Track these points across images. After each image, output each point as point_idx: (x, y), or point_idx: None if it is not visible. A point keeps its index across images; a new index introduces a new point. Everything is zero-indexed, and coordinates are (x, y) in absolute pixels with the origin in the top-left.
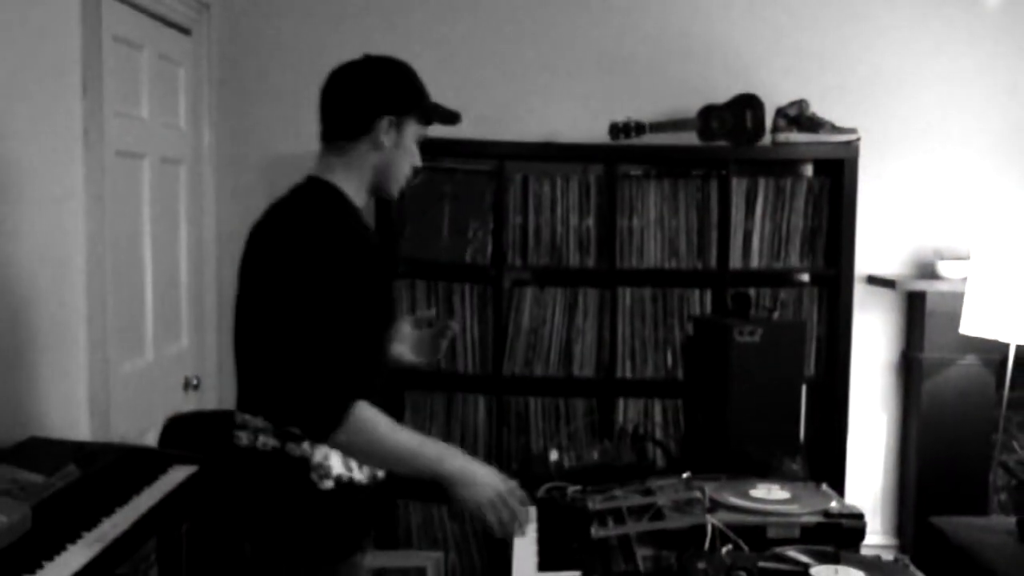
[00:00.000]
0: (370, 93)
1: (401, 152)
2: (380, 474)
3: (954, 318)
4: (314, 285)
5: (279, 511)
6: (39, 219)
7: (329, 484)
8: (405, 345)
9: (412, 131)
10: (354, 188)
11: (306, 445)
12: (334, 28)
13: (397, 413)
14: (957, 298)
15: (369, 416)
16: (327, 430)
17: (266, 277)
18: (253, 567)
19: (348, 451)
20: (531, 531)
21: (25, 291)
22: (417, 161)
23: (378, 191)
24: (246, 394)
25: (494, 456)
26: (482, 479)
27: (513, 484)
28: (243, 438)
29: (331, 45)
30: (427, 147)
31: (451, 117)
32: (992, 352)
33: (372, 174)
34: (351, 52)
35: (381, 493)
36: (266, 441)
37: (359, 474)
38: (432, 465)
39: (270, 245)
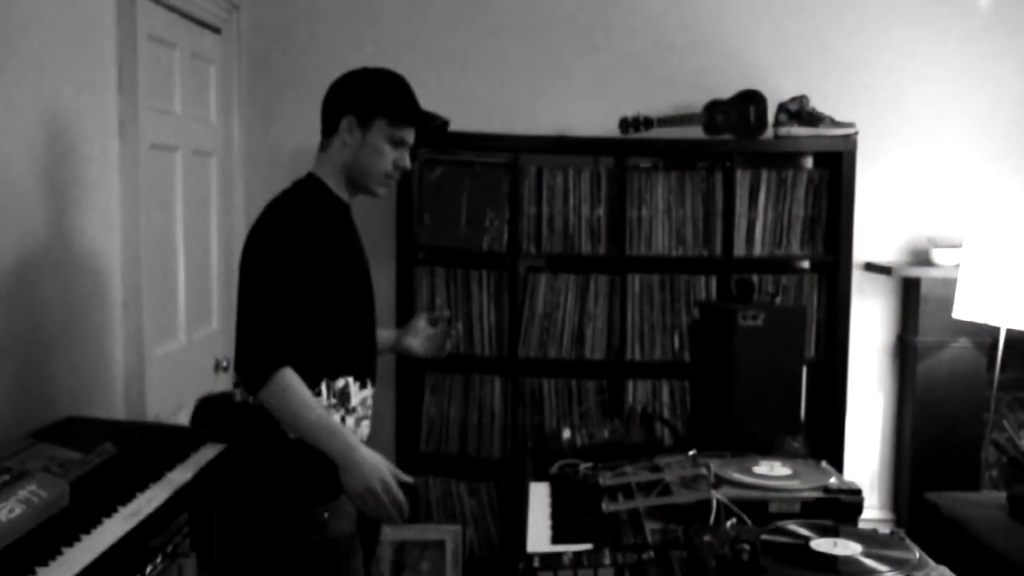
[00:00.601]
0: (339, 96)
1: (368, 150)
2: (362, 432)
3: (947, 303)
4: (266, 265)
5: (256, 459)
6: (77, 209)
7: (294, 435)
8: (418, 339)
9: (379, 131)
10: (334, 182)
11: None
12: (356, 28)
13: (416, 393)
14: (950, 284)
15: (288, 383)
16: (255, 387)
17: (244, 256)
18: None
19: (270, 410)
20: (545, 505)
21: (63, 277)
22: (388, 162)
23: (354, 186)
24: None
25: (510, 434)
26: (366, 466)
27: (396, 472)
28: (236, 394)
29: (353, 43)
30: (446, 141)
31: (426, 120)
32: (983, 335)
33: (343, 169)
34: (372, 50)
35: None
36: (247, 396)
37: None
38: (324, 444)
39: (253, 229)
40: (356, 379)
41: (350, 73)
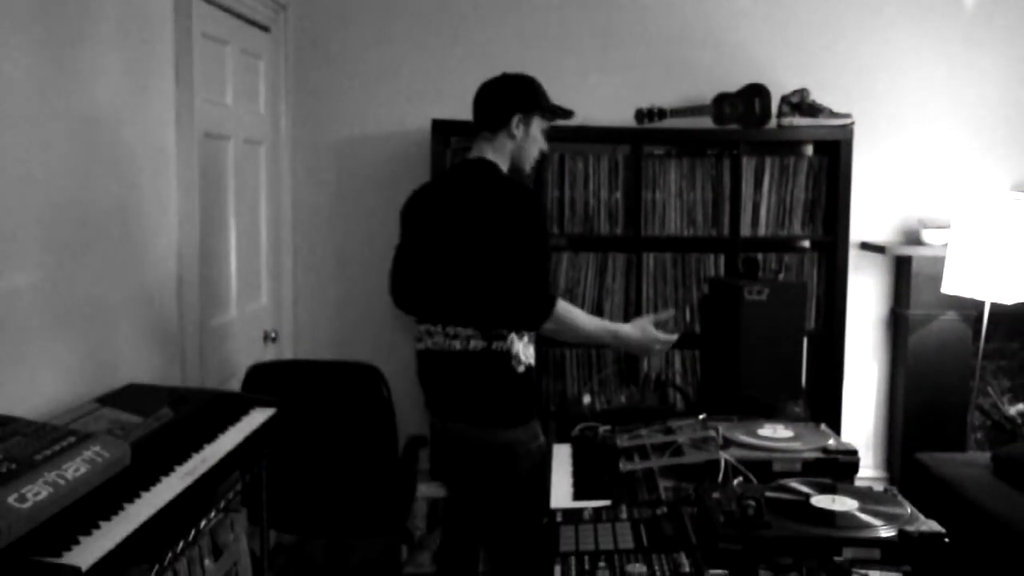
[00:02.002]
0: (505, 97)
1: (530, 141)
2: (533, 361)
3: (936, 279)
4: (536, 232)
5: (491, 391)
6: (137, 192)
7: (521, 368)
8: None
9: (537, 125)
10: (502, 165)
11: (505, 343)
12: (395, 26)
13: None
14: (939, 261)
15: (567, 308)
16: (542, 319)
17: (488, 226)
18: (458, 440)
19: (553, 333)
20: (567, 464)
21: (123, 255)
22: (544, 147)
23: (514, 168)
24: (456, 313)
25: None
26: (635, 342)
27: (649, 326)
28: (456, 344)
29: (392, 41)
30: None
31: (565, 114)
32: (970, 309)
33: (509, 156)
34: (409, 47)
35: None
36: (477, 343)
37: (533, 360)
38: (607, 341)
39: (487, 203)
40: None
41: (507, 77)
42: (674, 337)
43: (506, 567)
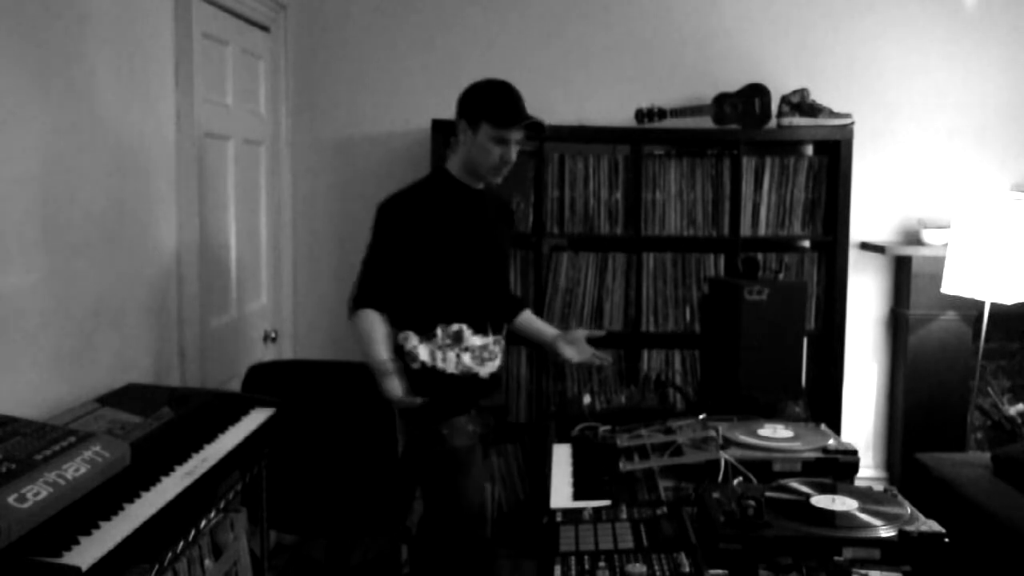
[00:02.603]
0: (459, 105)
1: (477, 148)
2: (482, 371)
3: (936, 279)
4: (374, 232)
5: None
6: (137, 192)
7: (416, 366)
8: (573, 348)
9: (486, 133)
10: (461, 173)
11: (402, 336)
12: (394, 26)
13: None
14: (939, 262)
15: (361, 317)
16: (350, 316)
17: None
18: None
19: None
20: (567, 464)
21: (123, 257)
22: (500, 157)
23: (476, 176)
24: None
25: (535, 399)
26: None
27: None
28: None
29: (392, 41)
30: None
31: (519, 121)
32: (970, 309)
33: (464, 163)
34: (409, 47)
35: (477, 384)
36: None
37: (443, 364)
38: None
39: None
40: (471, 326)
41: (472, 84)
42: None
43: (424, 563)
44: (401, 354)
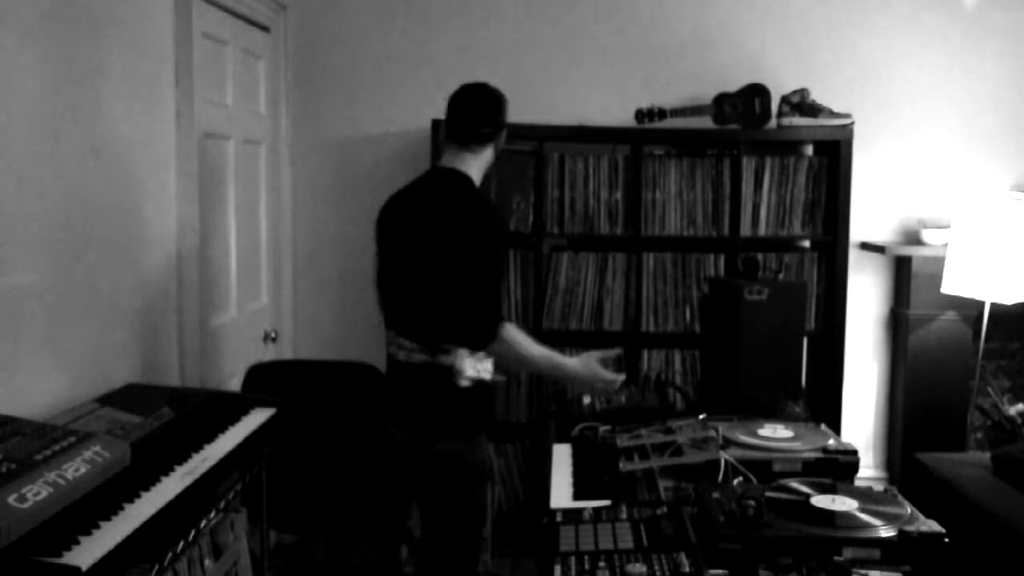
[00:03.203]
0: (495, 113)
1: (493, 156)
2: (488, 376)
3: (936, 279)
4: (485, 245)
5: (431, 403)
6: (138, 192)
7: (465, 383)
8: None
9: (503, 140)
10: (476, 177)
11: (449, 357)
12: (394, 26)
13: None
14: (939, 262)
15: (514, 334)
16: (486, 342)
17: (453, 232)
18: (405, 447)
19: (498, 356)
20: (567, 464)
21: (123, 257)
22: None
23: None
24: (404, 324)
25: (535, 399)
26: (578, 378)
27: (594, 364)
28: (399, 355)
29: (391, 41)
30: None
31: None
32: (970, 309)
33: (485, 168)
34: (409, 48)
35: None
36: (419, 357)
37: (488, 376)
38: (547, 372)
39: (454, 217)
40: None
41: (491, 93)
42: (620, 377)
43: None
44: (438, 372)
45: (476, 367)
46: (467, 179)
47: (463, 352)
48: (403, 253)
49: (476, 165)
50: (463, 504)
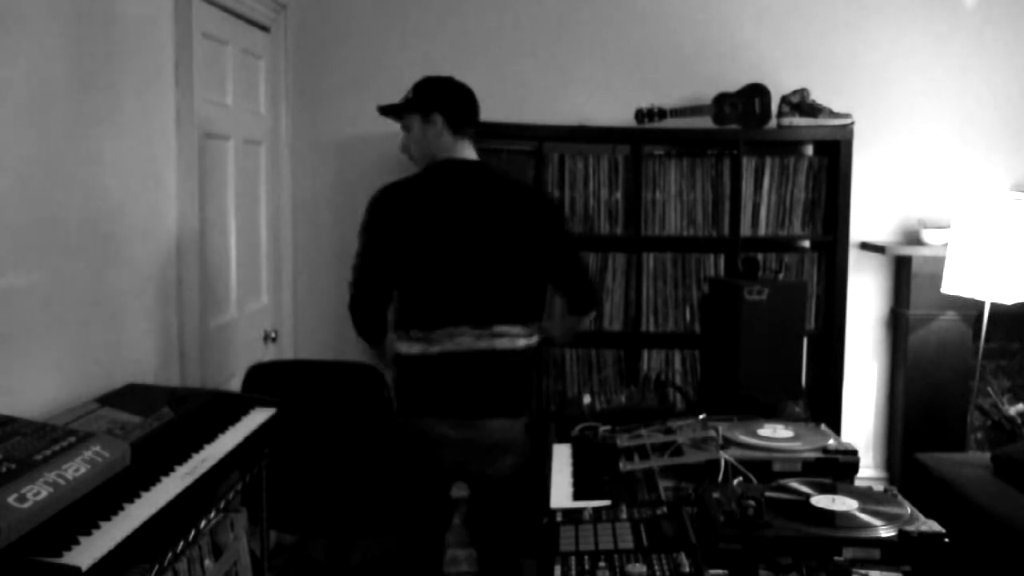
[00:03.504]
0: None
1: None
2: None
3: (936, 279)
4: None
5: (528, 380)
6: (137, 192)
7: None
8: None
9: None
10: None
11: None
12: (394, 25)
13: None
14: (939, 262)
15: None
16: (592, 307)
17: (552, 223)
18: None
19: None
20: (567, 464)
21: (123, 257)
22: None
23: None
24: (497, 312)
25: (535, 399)
26: None
27: None
28: (498, 344)
29: (391, 41)
30: (477, 130)
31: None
32: (970, 309)
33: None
34: (409, 47)
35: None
36: (523, 341)
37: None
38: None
39: (542, 206)
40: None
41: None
42: None
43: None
44: (536, 352)
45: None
46: (495, 169)
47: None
48: (483, 245)
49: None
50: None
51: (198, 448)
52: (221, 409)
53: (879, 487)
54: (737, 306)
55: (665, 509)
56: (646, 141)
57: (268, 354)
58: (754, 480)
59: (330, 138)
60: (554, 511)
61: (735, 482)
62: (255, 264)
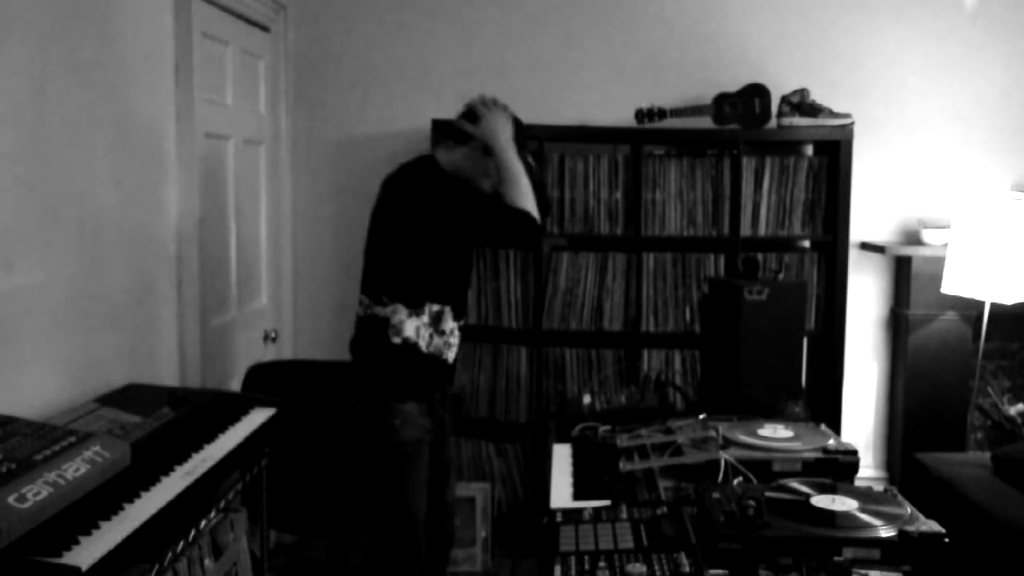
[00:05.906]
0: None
1: None
2: (448, 356)
3: (936, 279)
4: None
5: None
6: (137, 192)
7: (397, 341)
8: None
9: None
10: (443, 162)
11: (391, 309)
12: (395, 26)
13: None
14: (939, 262)
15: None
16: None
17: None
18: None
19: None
20: (567, 464)
21: (123, 257)
22: None
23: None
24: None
25: (535, 400)
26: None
27: None
28: (360, 311)
29: (392, 41)
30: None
31: None
32: (970, 309)
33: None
34: (410, 47)
35: (443, 368)
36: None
37: (422, 343)
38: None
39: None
40: (452, 309)
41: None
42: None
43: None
44: (383, 326)
45: (418, 330)
46: (433, 160)
47: (400, 307)
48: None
49: (447, 157)
50: (382, 490)
51: (198, 448)
52: (221, 409)
53: (879, 487)
54: (737, 306)
55: (665, 509)
56: (646, 141)
57: (268, 354)
58: (754, 480)
59: (330, 138)
60: (554, 511)
61: (735, 482)
62: (255, 264)
